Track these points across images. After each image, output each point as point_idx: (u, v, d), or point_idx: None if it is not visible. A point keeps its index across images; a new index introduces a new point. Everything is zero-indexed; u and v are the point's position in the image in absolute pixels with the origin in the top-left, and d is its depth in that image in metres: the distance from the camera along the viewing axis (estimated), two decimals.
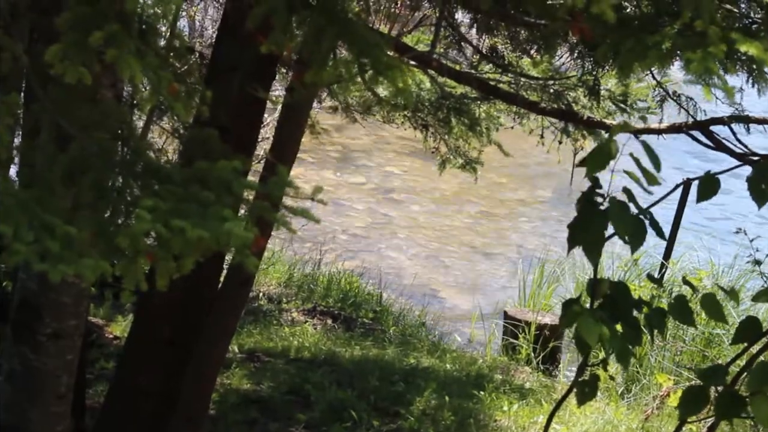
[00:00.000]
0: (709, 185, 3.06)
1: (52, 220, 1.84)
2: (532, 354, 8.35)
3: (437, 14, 6.35)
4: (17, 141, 2.84)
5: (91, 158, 2.16)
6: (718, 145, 5.01)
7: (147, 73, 2.26)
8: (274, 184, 2.23)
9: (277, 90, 8.06)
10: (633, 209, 2.94)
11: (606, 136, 6.16)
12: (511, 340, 8.54)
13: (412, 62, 5.10)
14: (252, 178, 2.43)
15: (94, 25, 2.18)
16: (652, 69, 5.20)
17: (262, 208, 2.15)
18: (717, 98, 3.14)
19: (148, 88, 2.35)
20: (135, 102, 3.28)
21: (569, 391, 3.37)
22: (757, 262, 7.20)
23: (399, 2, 7.50)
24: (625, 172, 2.88)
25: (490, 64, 6.81)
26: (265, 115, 6.26)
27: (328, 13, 2.53)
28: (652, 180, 2.86)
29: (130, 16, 2.27)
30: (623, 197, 2.96)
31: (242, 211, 2.19)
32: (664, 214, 3.48)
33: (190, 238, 1.87)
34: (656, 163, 2.89)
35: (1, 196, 1.89)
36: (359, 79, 2.55)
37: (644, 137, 3.36)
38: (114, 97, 3.60)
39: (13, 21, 2.57)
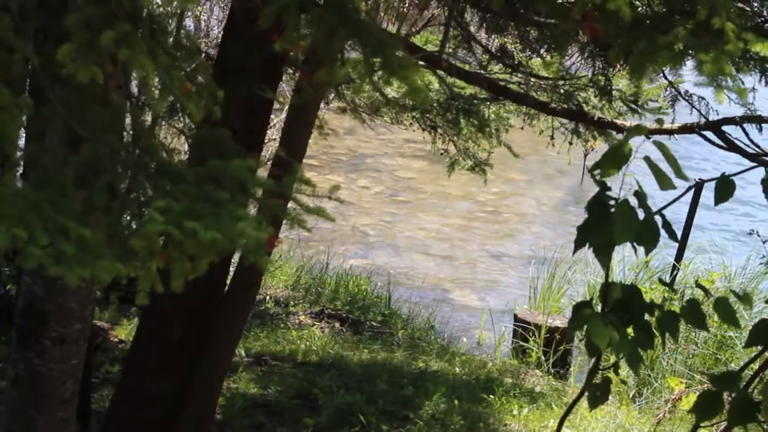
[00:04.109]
0: (725, 187, 3.01)
1: (66, 222, 1.80)
2: (543, 357, 8.30)
3: (446, 14, 6.31)
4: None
5: (103, 160, 2.13)
6: (731, 146, 4.97)
7: (159, 73, 2.23)
8: (288, 181, 2.19)
9: (284, 90, 8.03)
10: (642, 212, 2.89)
11: (617, 136, 6.14)
12: (521, 343, 8.50)
13: (421, 62, 5.06)
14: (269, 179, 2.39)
15: (105, 24, 2.15)
16: (665, 69, 5.15)
17: (276, 206, 2.12)
18: (729, 98, 3.09)
19: (159, 87, 2.32)
20: (145, 102, 3.24)
21: (580, 395, 3.33)
22: None
23: (408, 2, 7.46)
24: (635, 179, 2.84)
25: (500, 65, 6.77)
26: (272, 116, 6.22)
27: (339, 11, 2.49)
28: (666, 184, 2.81)
29: (140, 15, 2.24)
30: (634, 200, 2.91)
31: (252, 210, 2.15)
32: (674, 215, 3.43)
33: (203, 239, 1.84)
34: (675, 164, 2.84)
35: (12, 198, 1.84)
36: (372, 79, 2.52)
37: (656, 137, 3.31)
38: (123, 98, 3.58)
39: (22, 22, 2.54)
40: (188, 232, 1.84)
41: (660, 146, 2.89)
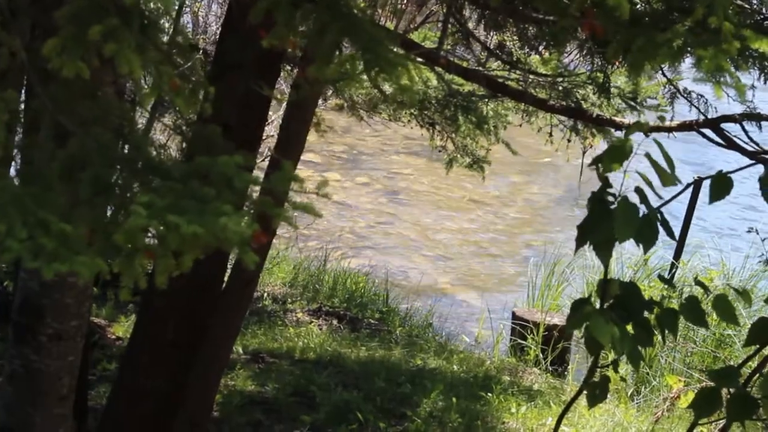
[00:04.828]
0: (721, 185, 3.00)
1: (47, 216, 1.80)
2: (541, 355, 8.28)
3: (445, 10, 6.30)
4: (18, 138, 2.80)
5: (90, 154, 2.12)
6: (730, 143, 4.95)
7: (148, 69, 2.22)
8: (277, 178, 2.18)
9: (283, 86, 8.02)
10: (644, 209, 2.88)
11: (615, 133, 6.13)
12: (520, 341, 8.48)
13: (419, 59, 5.05)
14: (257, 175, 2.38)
15: (93, 19, 2.14)
16: (663, 66, 5.14)
17: (263, 203, 2.10)
18: (728, 96, 3.09)
19: (149, 83, 2.31)
20: (136, 98, 3.22)
21: (579, 393, 3.32)
22: None
23: None
24: (638, 173, 2.83)
25: (498, 62, 6.75)
26: (270, 113, 6.21)
27: (332, 7, 2.48)
28: (668, 180, 2.80)
29: (130, 10, 2.22)
30: (635, 197, 2.90)
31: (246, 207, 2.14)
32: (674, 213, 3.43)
33: (185, 234, 1.83)
34: (671, 164, 2.83)
35: None
36: (363, 76, 2.50)
37: (655, 135, 3.29)
38: (115, 93, 3.56)
39: (14, 17, 2.53)
40: (171, 226, 1.83)
41: (658, 145, 2.89)
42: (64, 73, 2.10)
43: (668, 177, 2.79)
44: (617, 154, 2.81)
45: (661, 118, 5.58)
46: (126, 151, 2.22)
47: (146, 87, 2.35)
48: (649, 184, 2.83)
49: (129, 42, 2.14)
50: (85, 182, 2.02)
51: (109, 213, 2.07)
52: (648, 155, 2.79)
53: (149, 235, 1.93)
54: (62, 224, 1.80)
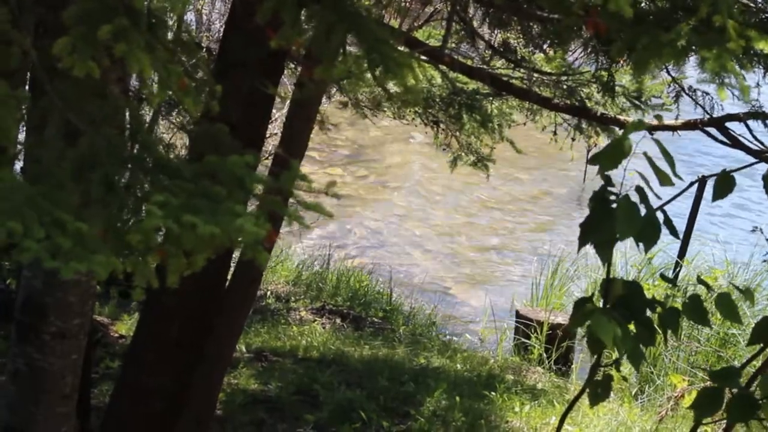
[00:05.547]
0: (724, 184, 3.01)
1: (62, 216, 1.79)
2: (544, 354, 8.28)
3: (449, 8, 6.29)
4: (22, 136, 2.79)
5: (100, 153, 2.12)
6: (734, 142, 4.94)
7: (156, 68, 2.22)
8: (286, 178, 2.18)
9: (286, 85, 8.02)
10: (644, 209, 2.88)
11: (620, 132, 6.09)
12: (523, 339, 8.48)
13: (424, 57, 5.04)
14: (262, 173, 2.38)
15: (102, 18, 2.13)
16: (668, 65, 5.13)
17: (274, 202, 2.10)
18: (733, 95, 3.09)
19: (156, 82, 2.31)
20: (143, 97, 3.22)
21: (582, 392, 3.32)
22: None
23: None
24: (638, 173, 2.83)
25: (503, 60, 6.75)
26: (273, 111, 6.21)
27: (338, 7, 2.47)
28: (666, 180, 2.80)
29: (138, 9, 2.22)
30: (636, 196, 2.90)
31: (251, 207, 2.14)
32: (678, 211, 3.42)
33: (202, 234, 1.83)
34: (671, 162, 2.83)
35: (9, 191, 1.83)
36: (369, 75, 2.50)
37: (659, 134, 3.29)
38: (121, 92, 3.56)
39: (21, 15, 2.53)
40: (187, 226, 1.83)
41: (657, 143, 2.89)
42: (75, 72, 2.10)
43: (666, 177, 2.79)
44: (616, 152, 2.81)
45: (658, 117, 5.56)
46: (135, 149, 2.22)
47: (153, 83, 2.35)
48: (649, 186, 2.83)
49: (138, 42, 2.14)
50: (96, 181, 2.01)
51: (120, 212, 2.07)
52: (646, 154, 2.79)
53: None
54: (78, 223, 1.80)
